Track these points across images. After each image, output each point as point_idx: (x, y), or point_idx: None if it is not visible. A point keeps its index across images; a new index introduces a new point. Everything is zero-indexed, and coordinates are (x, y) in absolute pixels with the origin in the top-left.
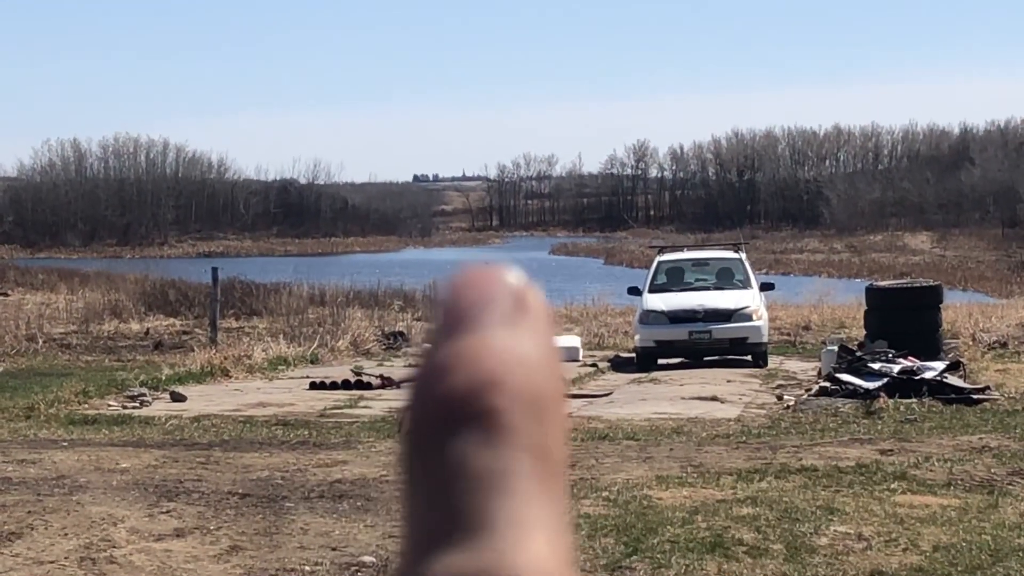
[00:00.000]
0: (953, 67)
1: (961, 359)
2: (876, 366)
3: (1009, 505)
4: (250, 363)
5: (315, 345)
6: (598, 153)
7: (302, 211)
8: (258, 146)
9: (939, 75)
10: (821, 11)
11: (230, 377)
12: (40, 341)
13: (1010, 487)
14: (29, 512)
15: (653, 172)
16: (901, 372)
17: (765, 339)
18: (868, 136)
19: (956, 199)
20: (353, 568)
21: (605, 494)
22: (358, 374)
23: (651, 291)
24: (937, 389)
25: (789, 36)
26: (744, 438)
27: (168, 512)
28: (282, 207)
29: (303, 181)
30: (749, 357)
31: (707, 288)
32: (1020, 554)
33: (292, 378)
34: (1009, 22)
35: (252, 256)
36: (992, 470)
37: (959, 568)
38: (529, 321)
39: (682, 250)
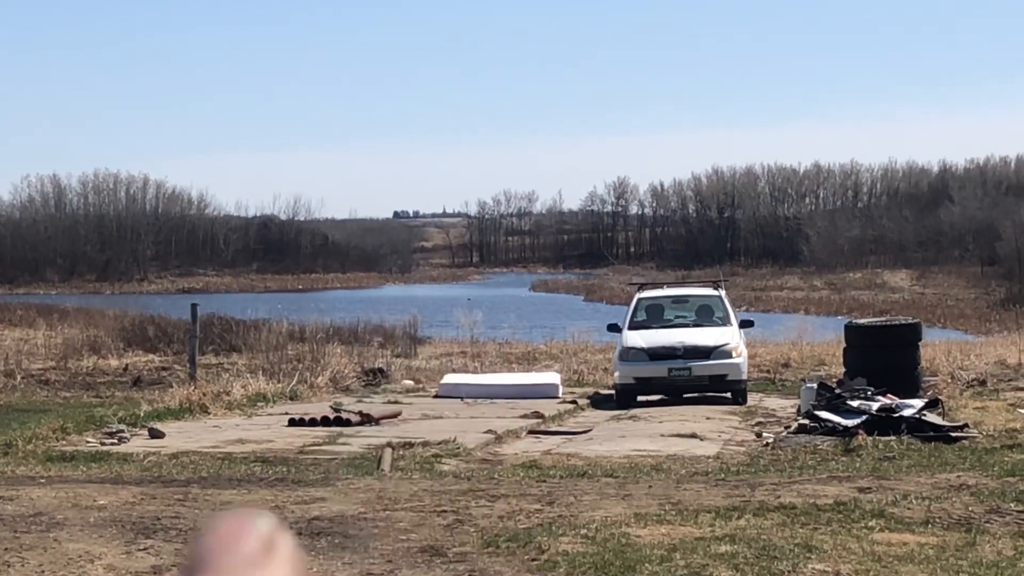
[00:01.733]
0: (933, 106)
1: (940, 397)
2: (855, 403)
3: (987, 543)
4: (229, 400)
5: (294, 381)
6: (578, 190)
7: (282, 247)
8: (238, 182)
9: (919, 114)
10: (800, 50)
11: (209, 414)
12: (18, 377)
13: (988, 525)
14: (6, 549)
15: (633, 209)
16: (880, 410)
17: (744, 376)
18: (848, 174)
19: (935, 237)
20: None
21: (584, 531)
22: (337, 411)
23: (631, 328)
24: (916, 427)
25: (769, 75)
26: (723, 475)
27: (145, 549)
28: (262, 243)
29: (283, 217)
30: (729, 394)
31: (687, 325)
32: None
33: (271, 415)
34: (988, 62)
35: (232, 292)
36: (970, 508)
37: None
38: (275, 564)
39: (662, 287)
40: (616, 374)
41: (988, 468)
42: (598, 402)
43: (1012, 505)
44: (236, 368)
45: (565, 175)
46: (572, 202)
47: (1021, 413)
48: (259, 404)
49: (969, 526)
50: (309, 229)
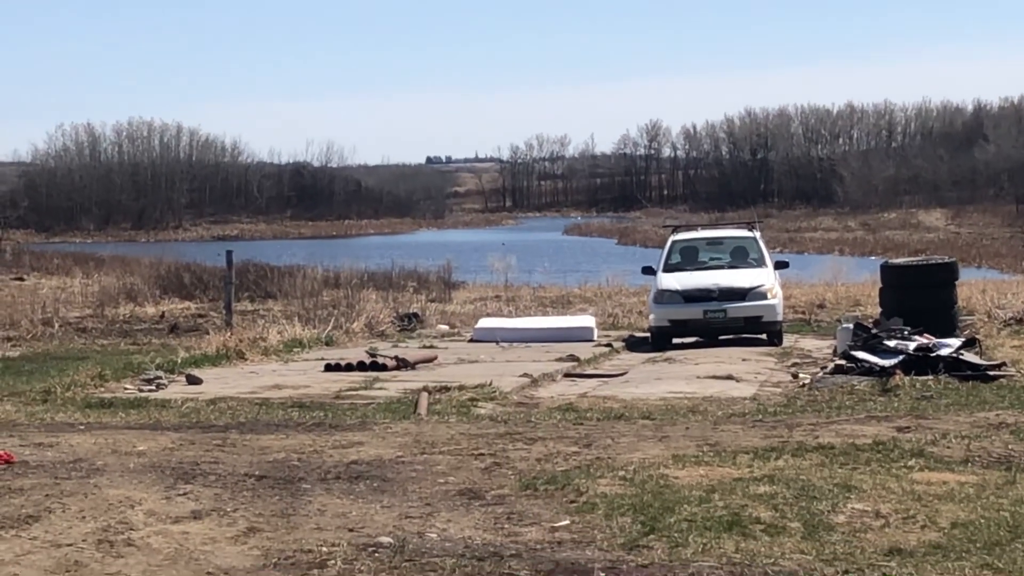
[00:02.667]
0: (966, 44)
1: (977, 336)
2: (892, 343)
3: None
4: (265, 346)
5: (330, 327)
6: (611, 133)
7: (315, 194)
8: (271, 129)
9: (952, 52)
10: None
11: (245, 360)
12: (56, 325)
13: None
14: (47, 495)
15: (666, 152)
16: (917, 349)
17: (780, 317)
18: (881, 114)
19: (970, 176)
20: (370, 549)
21: (621, 473)
22: (373, 356)
23: (665, 271)
24: (953, 366)
25: (801, 15)
26: (760, 416)
27: (185, 494)
28: (296, 190)
29: (316, 164)
30: (764, 336)
31: (721, 267)
32: None
33: (307, 360)
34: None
35: (266, 239)
36: (1010, 446)
37: (977, 545)
38: None
39: (696, 229)
40: (651, 316)
41: None
42: (633, 345)
43: None
44: (272, 315)
45: (597, 119)
46: (605, 145)
47: None
48: (295, 350)
49: (1009, 464)
50: (342, 175)
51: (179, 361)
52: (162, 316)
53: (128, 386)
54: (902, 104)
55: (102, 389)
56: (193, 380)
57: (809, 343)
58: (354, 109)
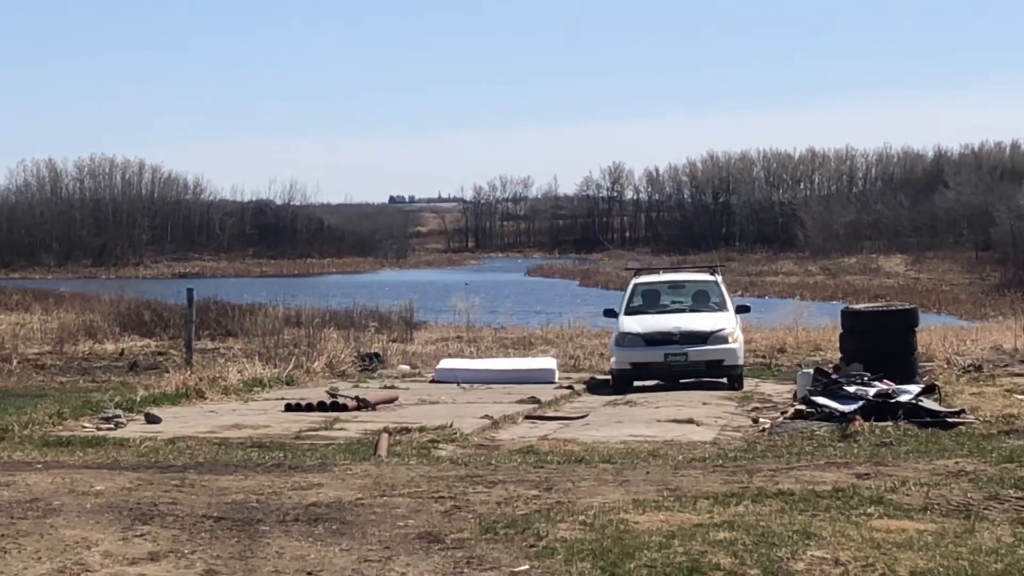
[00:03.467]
0: (928, 91)
1: (936, 382)
2: (851, 389)
3: (986, 530)
4: (225, 385)
5: (291, 366)
6: (574, 175)
7: (278, 232)
8: (234, 167)
9: (913, 99)
10: (795, 35)
11: (205, 399)
12: (14, 362)
13: (986, 512)
14: (2, 535)
15: (628, 194)
16: (877, 395)
17: (741, 361)
18: (843, 159)
19: (930, 222)
20: None
21: (581, 518)
22: (333, 396)
23: (627, 313)
24: (912, 412)
25: (764, 59)
26: (720, 461)
27: (142, 535)
28: (258, 228)
29: (279, 202)
30: (725, 379)
31: (683, 310)
32: None
33: (267, 400)
34: (983, 48)
35: (228, 277)
36: (968, 495)
37: None
38: None
39: (658, 272)
40: (612, 359)
41: (986, 454)
42: (594, 387)
43: (1011, 491)
44: (232, 353)
45: (560, 160)
46: (567, 187)
47: (1018, 399)
48: (255, 389)
49: (968, 513)
50: (305, 214)
51: (138, 399)
52: (122, 354)
53: (86, 424)
54: (863, 150)
55: (60, 427)
56: (152, 419)
57: (770, 387)
58: (317, 148)
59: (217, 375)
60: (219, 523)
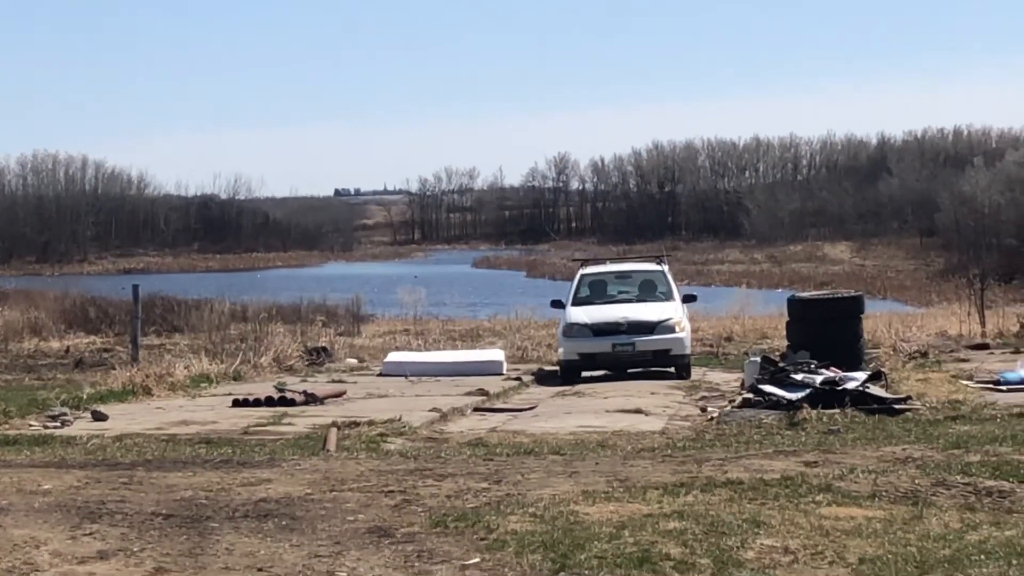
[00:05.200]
0: (871, 78)
1: (883, 369)
2: (799, 377)
3: (934, 516)
4: (172, 381)
5: (238, 362)
6: (519, 166)
7: (223, 227)
8: (178, 162)
9: (857, 86)
10: (738, 23)
11: (152, 395)
12: None
13: (934, 498)
14: None
15: (574, 184)
16: (824, 383)
17: (688, 351)
18: (787, 147)
19: (875, 209)
20: None
21: (532, 510)
22: (281, 391)
23: (574, 304)
24: (859, 399)
25: (708, 49)
26: (669, 451)
27: (91, 534)
28: (203, 223)
29: (224, 196)
30: (672, 369)
31: (630, 301)
32: (945, 565)
33: (215, 395)
34: (926, 35)
35: (173, 272)
36: (916, 481)
37: None
38: None
39: (604, 263)
40: (560, 350)
41: (933, 440)
42: (543, 378)
43: (958, 477)
44: (179, 349)
45: (506, 151)
46: (513, 178)
47: (964, 384)
48: (202, 385)
49: (916, 499)
50: (250, 208)
51: (85, 397)
52: (67, 351)
53: (33, 422)
54: (807, 137)
55: (6, 426)
56: (99, 416)
57: (717, 376)
58: (262, 141)
59: (164, 371)
60: (168, 520)
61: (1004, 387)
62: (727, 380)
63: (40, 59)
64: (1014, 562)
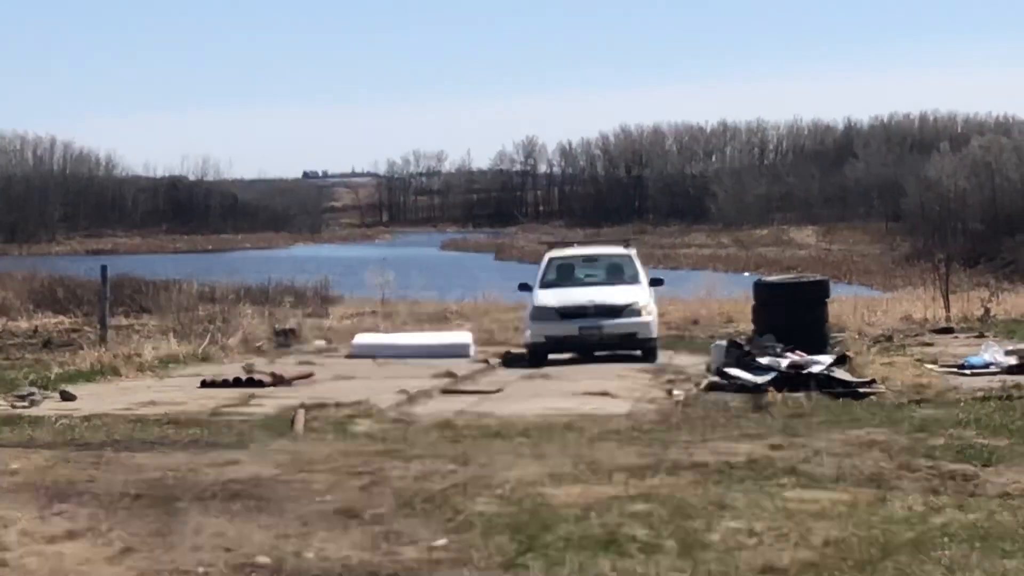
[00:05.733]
0: (838, 63)
1: (848, 353)
2: (764, 360)
3: (897, 499)
4: (140, 361)
5: (206, 343)
6: (487, 149)
7: (191, 208)
8: (147, 143)
9: (824, 71)
10: (705, 8)
11: (120, 376)
12: None
13: (898, 481)
14: None
15: (542, 168)
16: (789, 366)
17: (655, 334)
18: (754, 131)
19: (841, 194)
20: (247, 569)
21: (498, 492)
22: (249, 372)
23: (542, 287)
24: (825, 383)
25: (675, 34)
26: (635, 434)
27: (60, 514)
28: (171, 204)
29: (192, 178)
30: (639, 352)
31: (597, 284)
32: (909, 548)
33: (183, 376)
34: (890, 18)
35: (141, 253)
36: (880, 464)
37: (849, 563)
38: None
39: (572, 246)
40: (527, 333)
41: (897, 424)
42: (510, 361)
43: (922, 461)
44: (147, 330)
45: (474, 134)
46: (481, 161)
47: (929, 368)
48: (171, 366)
49: (880, 483)
50: (218, 190)
51: (53, 377)
52: (35, 331)
53: (1, 402)
54: (774, 122)
55: None
56: (67, 396)
57: (684, 360)
58: (230, 123)
59: (132, 352)
60: (137, 501)
61: (968, 371)
62: (693, 363)
63: (5, 37)
64: (977, 545)
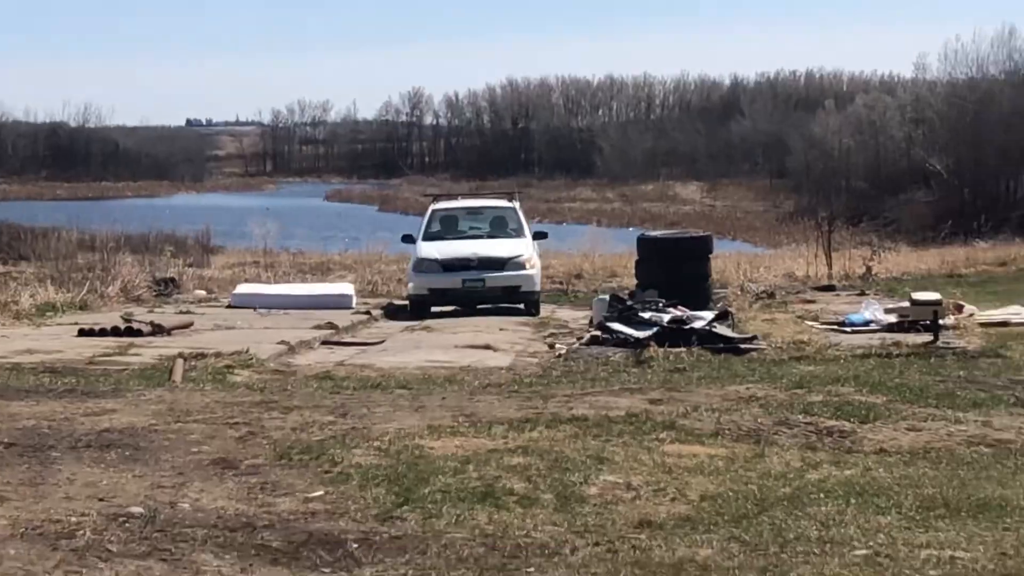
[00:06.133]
0: (723, 20)
1: (730, 309)
2: (647, 315)
3: (775, 455)
4: (17, 309)
5: (84, 291)
6: (373, 100)
7: (72, 155)
8: (27, 88)
9: (711, 28)
10: None
11: None
12: None
13: (776, 437)
14: None
15: (428, 120)
16: (671, 321)
17: (538, 288)
18: (640, 86)
19: (726, 150)
20: (121, 519)
21: (377, 444)
22: (128, 321)
23: (425, 239)
24: (706, 338)
25: None
26: (516, 387)
27: None
28: (51, 150)
29: (73, 124)
30: (522, 305)
31: (481, 237)
32: (785, 503)
33: (61, 325)
34: None
35: (20, 200)
36: (759, 420)
37: (725, 517)
38: None
39: (456, 199)
40: (410, 285)
41: (776, 380)
42: (392, 313)
43: (800, 417)
44: (24, 277)
45: (360, 85)
46: (367, 112)
47: (809, 325)
48: (48, 314)
49: (758, 438)
50: (99, 136)
51: None
52: None
53: None
54: (660, 77)
55: None
56: None
57: (566, 313)
58: (113, 70)
59: (8, 299)
60: (9, 449)
61: (848, 328)
62: (576, 318)
63: None
64: (852, 501)
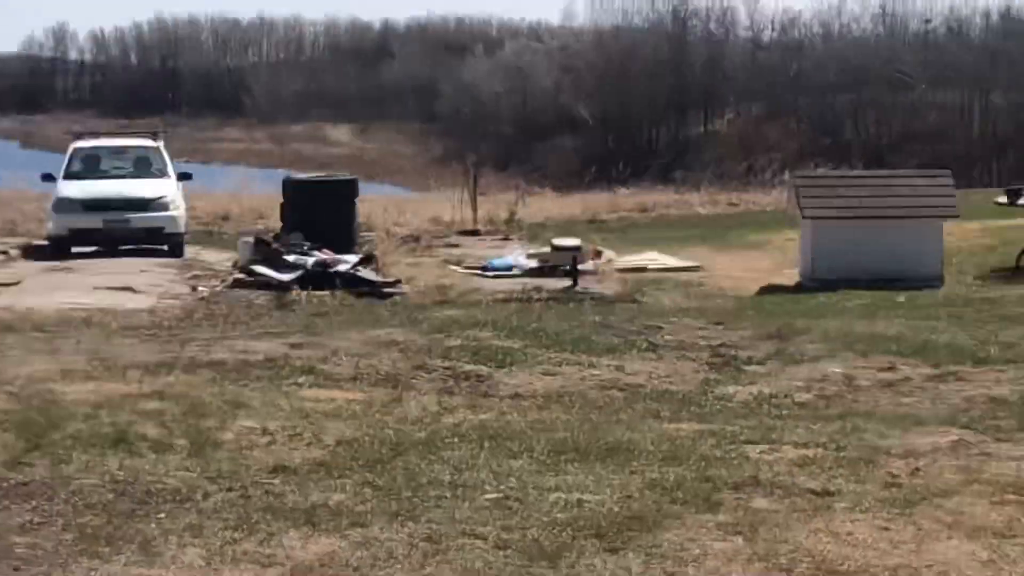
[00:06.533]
0: None
1: (375, 252)
2: (291, 258)
3: (412, 399)
4: None
5: None
6: (15, 34)
7: None
8: None
9: None
10: None
11: None
12: None
13: (414, 381)
14: None
15: (73, 55)
16: (316, 264)
17: (182, 229)
18: (291, 27)
19: (378, 93)
20: None
21: (8, 388)
22: None
23: (66, 178)
24: (350, 282)
25: None
26: (156, 331)
27: None
28: None
29: None
30: (166, 247)
31: (124, 177)
32: (420, 448)
33: None
34: None
35: None
36: (397, 364)
37: (360, 462)
38: None
39: (99, 137)
40: (50, 224)
41: (417, 324)
42: (31, 252)
43: (438, 361)
44: None
45: None
46: (9, 46)
47: (453, 269)
48: None
49: (396, 382)
50: None
51: None
52: None
53: None
54: (311, 19)
55: None
56: None
57: (211, 256)
58: None
59: None
60: None
61: (491, 273)
62: (221, 260)
63: None
64: (486, 445)
